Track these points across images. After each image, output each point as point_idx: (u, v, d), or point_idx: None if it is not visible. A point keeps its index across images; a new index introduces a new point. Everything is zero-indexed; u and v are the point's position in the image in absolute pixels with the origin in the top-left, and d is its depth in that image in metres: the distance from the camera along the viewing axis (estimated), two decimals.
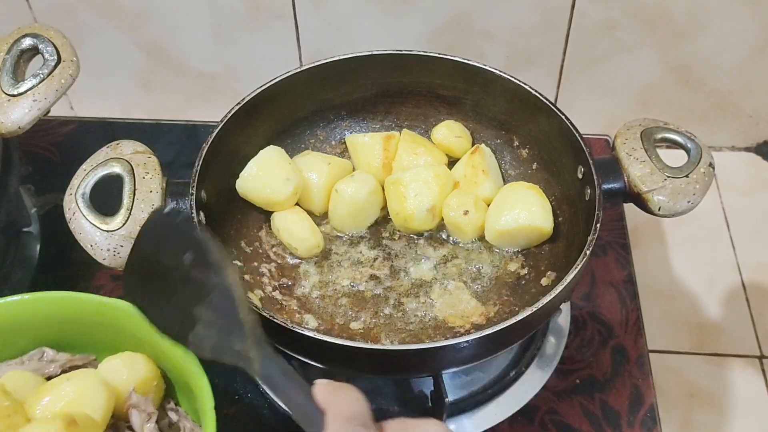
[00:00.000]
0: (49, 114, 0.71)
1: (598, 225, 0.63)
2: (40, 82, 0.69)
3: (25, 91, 0.69)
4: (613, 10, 0.88)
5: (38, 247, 0.87)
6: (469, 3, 0.90)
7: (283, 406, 0.50)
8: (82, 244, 0.64)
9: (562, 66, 0.95)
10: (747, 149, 1.02)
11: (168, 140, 0.99)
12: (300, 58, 0.97)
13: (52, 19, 0.95)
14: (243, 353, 0.51)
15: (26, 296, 0.65)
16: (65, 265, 0.85)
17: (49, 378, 0.63)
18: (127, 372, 0.63)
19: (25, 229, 0.88)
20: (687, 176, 0.67)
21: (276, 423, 0.73)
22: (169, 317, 0.57)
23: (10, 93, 0.69)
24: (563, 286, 0.60)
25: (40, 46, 0.71)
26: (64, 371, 0.65)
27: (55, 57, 0.70)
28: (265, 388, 0.55)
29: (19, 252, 0.86)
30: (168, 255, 0.57)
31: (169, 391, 0.67)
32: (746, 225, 0.93)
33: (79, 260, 0.85)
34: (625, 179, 0.68)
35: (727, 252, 0.91)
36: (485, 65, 0.76)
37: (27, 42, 0.71)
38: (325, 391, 0.47)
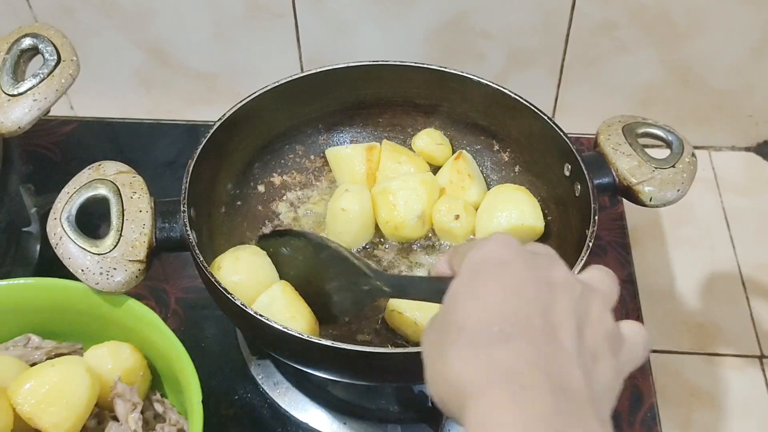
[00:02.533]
0: (49, 114, 0.71)
1: (596, 217, 0.65)
2: (40, 82, 0.69)
3: (25, 91, 0.69)
4: (613, 10, 0.88)
5: (38, 246, 0.87)
6: (469, 3, 0.90)
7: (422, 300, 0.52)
8: (71, 269, 0.61)
9: (562, 66, 0.95)
10: (747, 149, 1.02)
11: (168, 140, 0.99)
12: (300, 57, 0.97)
13: (53, 18, 0.95)
14: (372, 288, 0.58)
15: (13, 282, 0.65)
16: (65, 265, 0.85)
17: (33, 365, 0.63)
18: (112, 361, 0.63)
19: (25, 229, 0.88)
20: (673, 166, 0.70)
21: (276, 423, 0.73)
22: (317, 309, 0.65)
23: (10, 93, 0.69)
24: None
25: (40, 46, 0.70)
26: (49, 358, 0.64)
27: (55, 57, 0.70)
28: (400, 297, 0.61)
29: (19, 251, 0.86)
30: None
31: (156, 382, 0.67)
32: (746, 225, 0.93)
33: None
34: (614, 173, 0.70)
35: (727, 252, 0.91)
36: (461, 71, 0.76)
37: (27, 42, 0.71)
38: (446, 256, 0.48)
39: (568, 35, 0.92)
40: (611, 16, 0.89)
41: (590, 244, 0.63)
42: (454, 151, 0.81)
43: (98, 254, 0.61)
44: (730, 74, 0.94)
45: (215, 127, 0.71)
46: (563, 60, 0.94)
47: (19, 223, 0.87)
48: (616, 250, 0.86)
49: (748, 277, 0.88)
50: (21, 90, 0.69)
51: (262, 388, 0.74)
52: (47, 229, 0.63)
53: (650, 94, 0.97)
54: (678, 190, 0.69)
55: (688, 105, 0.97)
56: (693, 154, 0.71)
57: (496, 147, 0.81)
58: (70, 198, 0.63)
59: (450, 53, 0.94)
